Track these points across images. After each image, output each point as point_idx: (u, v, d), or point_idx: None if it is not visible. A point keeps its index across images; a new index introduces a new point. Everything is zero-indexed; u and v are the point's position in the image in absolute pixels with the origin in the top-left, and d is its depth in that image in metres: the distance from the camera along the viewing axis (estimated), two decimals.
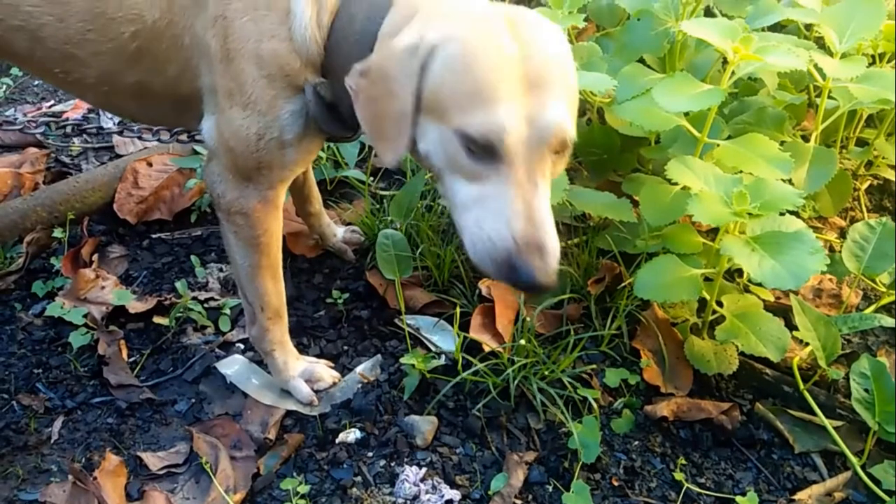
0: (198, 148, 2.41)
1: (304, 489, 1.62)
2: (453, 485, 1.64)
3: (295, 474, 1.67)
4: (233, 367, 1.92)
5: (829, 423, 1.69)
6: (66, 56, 1.56)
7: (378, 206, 2.33)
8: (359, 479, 1.66)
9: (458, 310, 1.88)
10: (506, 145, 1.22)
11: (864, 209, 2.35)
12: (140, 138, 2.33)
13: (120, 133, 2.38)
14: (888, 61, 2.11)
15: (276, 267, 1.72)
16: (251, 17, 1.42)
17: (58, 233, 2.22)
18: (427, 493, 1.61)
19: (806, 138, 2.10)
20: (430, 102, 1.26)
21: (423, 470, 1.66)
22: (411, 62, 1.25)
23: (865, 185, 2.41)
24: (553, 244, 1.25)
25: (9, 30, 1.54)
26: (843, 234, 2.28)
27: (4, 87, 3.15)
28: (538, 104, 1.23)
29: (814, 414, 1.72)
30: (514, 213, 1.23)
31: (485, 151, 1.23)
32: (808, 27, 2.29)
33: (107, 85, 1.60)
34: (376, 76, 1.29)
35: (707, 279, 1.80)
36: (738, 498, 1.59)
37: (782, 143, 1.88)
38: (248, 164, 1.53)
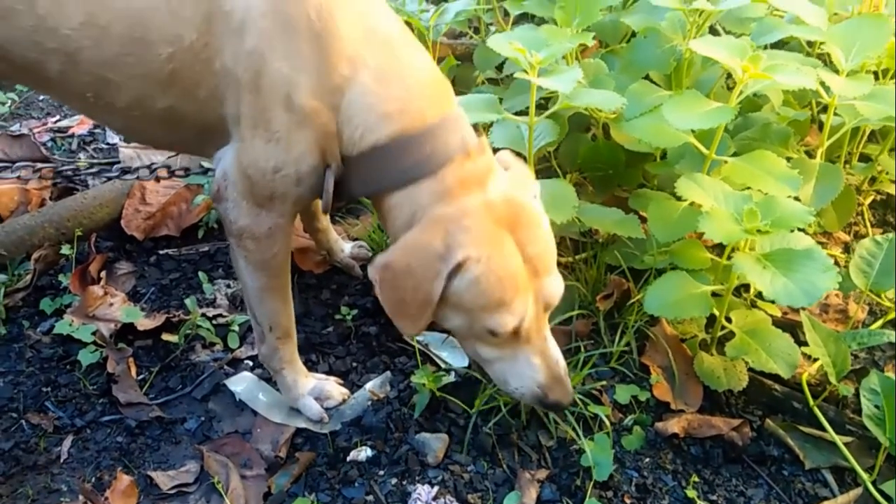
0: (206, 164, 2.41)
1: None
2: (465, 503, 1.64)
3: (306, 493, 1.67)
4: (242, 384, 1.91)
5: (839, 439, 1.69)
6: (100, 80, 1.55)
7: None
8: (371, 497, 1.65)
9: None
10: (523, 328, 1.47)
11: (868, 224, 2.37)
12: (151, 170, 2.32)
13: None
14: (891, 78, 2.13)
15: (285, 288, 1.73)
16: (291, 63, 1.44)
17: (65, 249, 2.22)
18: None
19: (809, 154, 2.12)
20: (456, 303, 1.44)
21: (436, 488, 1.65)
22: (440, 269, 1.40)
23: (869, 201, 2.43)
24: (565, 370, 1.55)
25: (44, 52, 1.54)
26: (847, 248, 2.30)
27: (10, 102, 3.15)
28: (541, 285, 1.48)
29: (824, 430, 1.73)
30: (535, 369, 1.52)
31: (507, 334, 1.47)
32: (811, 44, 2.31)
33: (138, 110, 1.59)
34: (400, 272, 1.43)
35: (715, 295, 1.81)
36: None
37: (789, 159, 1.89)
38: (263, 192, 1.55)
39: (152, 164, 2.36)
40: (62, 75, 1.57)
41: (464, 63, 2.74)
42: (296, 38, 1.44)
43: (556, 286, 1.50)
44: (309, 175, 1.52)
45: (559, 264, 2.15)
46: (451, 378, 1.87)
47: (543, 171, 2.31)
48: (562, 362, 1.55)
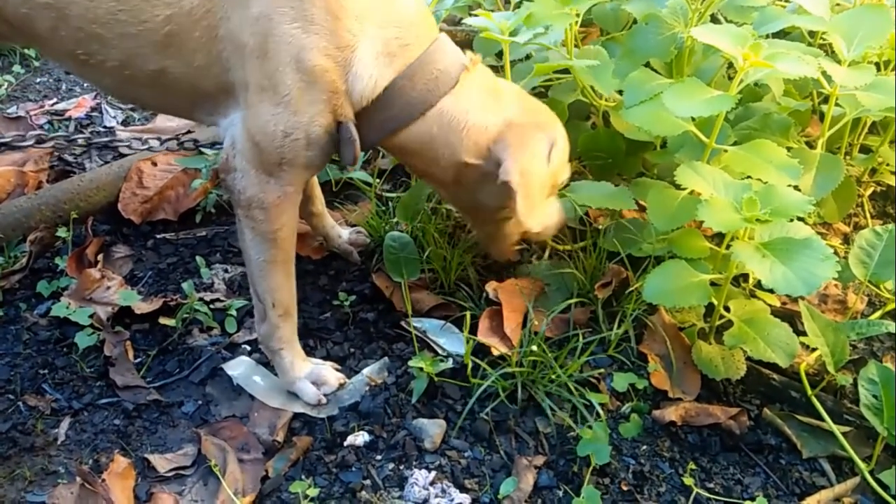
0: (203, 148, 2.40)
1: (313, 492, 1.61)
2: (462, 488, 1.64)
3: (304, 477, 1.67)
4: (239, 368, 1.91)
5: (836, 429, 1.69)
6: (92, 37, 1.55)
7: (384, 208, 2.33)
8: (368, 482, 1.65)
9: (468, 314, 1.88)
10: None
11: (868, 215, 2.37)
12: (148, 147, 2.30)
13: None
14: (893, 70, 2.12)
15: (289, 263, 1.74)
16: (301, 25, 1.47)
17: (62, 232, 2.21)
18: (437, 496, 1.61)
19: (810, 145, 2.12)
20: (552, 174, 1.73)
21: (433, 473, 1.65)
22: (547, 152, 1.68)
23: (869, 192, 2.43)
24: None
25: (35, 7, 1.54)
26: (846, 240, 2.30)
27: (6, 84, 3.13)
28: None
29: (821, 419, 1.73)
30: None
31: None
32: (813, 34, 2.30)
33: (128, 69, 1.60)
34: (528, 171, 1.64)
35: (713, 284, 1.81)
36: (746, 503, 1.60)
37: (789, 149, 1.89)
38: (272, 159, 1.56)
39: (149, 140, 2.34)
40: (53, 32, 1.57)
41: (464, 49, 2.72)
42: (305, 0, 1.46)
43: None
44: (319, 137, 1.55)
45: (557, 252, 2.17)
46: (449, 364, 1.87)
47: None
48: None
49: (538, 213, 1.69)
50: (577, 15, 2.08)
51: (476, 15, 2.06)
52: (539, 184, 1.68)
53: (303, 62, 1.48)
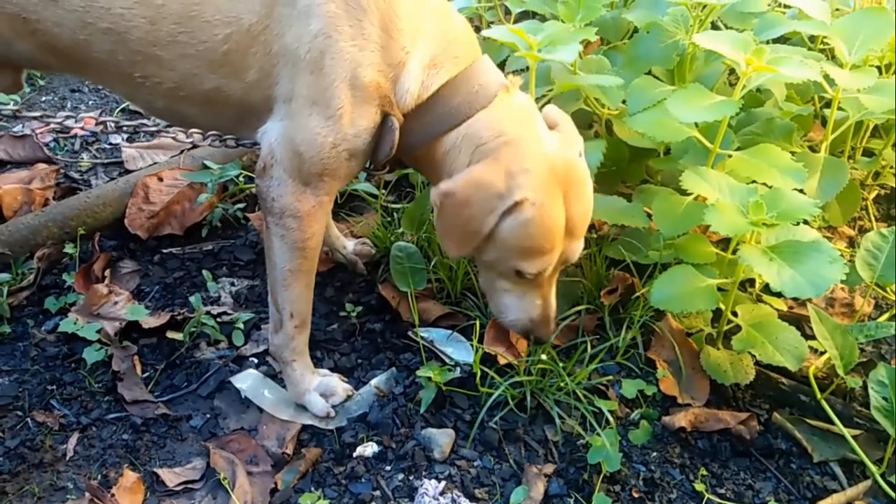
0: (208, 163, 2.41)
1: None
2: (472, 498, 1.64)
3: (313, 489, 1.66)
4: (247, 381, 1.91)
5: (847, 432, 1.69)
6: (150, 59, 1.58)
7: (389, 218, 2.33)
8: (377, 493, 1.65)
9: (477, 323, 1.89)
10: (543, 276, 1.62)
11: (873, 218, 2.37)
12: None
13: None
14: (894, 73, 2.13)
15: (312, 273, 1.75)
16: (358, 44, 1.53)
17: (69, 248, 2.21)
18: None
19: (813, 149, 2.12)
20: (498, 239, 1.56)
21: (443, 483, 1.65)
22: (496, 206, 1.52)
23: (873, 195, 2.43)
24: (555, 314, 1.71)
25: (95, 33, 1.56)
26: (851, 243, 2.30)
27: (12, 102, 3.14)
28: (570, 246, 1.61)
29: (831, 423, 1.72)
30: (534, 308, 1.67)
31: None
32: (813, 39, 2.31)
33: (184, 90, 1.62)
34: (460, 200, 1.55)
35: (720, 289, 1.81)
36: None
37: (793, 153, 1.89)
38: (314, 169, 1.59)
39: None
40: (110, 55, 1.60)
41: None
42: (363, 19, 1.52)
43: (579, 248, 1.64)
44: (365, 147, 1.61)
45: None
46: (457, 373, 1.87)
47: None
48: (554, 306, 1.70)
49: (452, 246, 1.61)
50: (596, 33, 2.06)
51: (479, 27, 2.07)
52: (466, 226, 1.56)
53: (357, 79, 1.53)
